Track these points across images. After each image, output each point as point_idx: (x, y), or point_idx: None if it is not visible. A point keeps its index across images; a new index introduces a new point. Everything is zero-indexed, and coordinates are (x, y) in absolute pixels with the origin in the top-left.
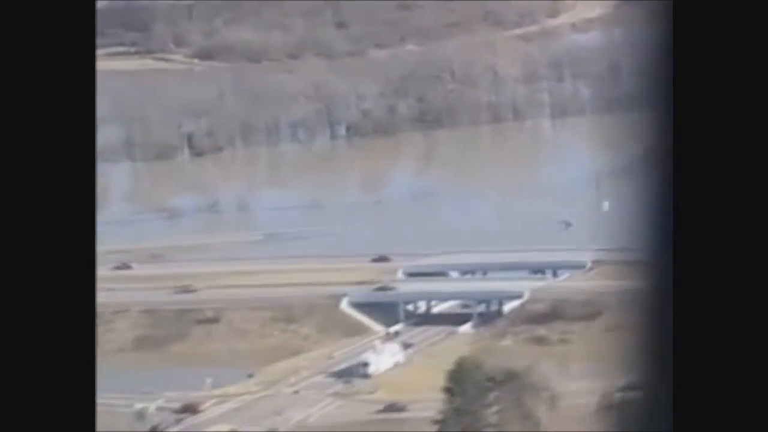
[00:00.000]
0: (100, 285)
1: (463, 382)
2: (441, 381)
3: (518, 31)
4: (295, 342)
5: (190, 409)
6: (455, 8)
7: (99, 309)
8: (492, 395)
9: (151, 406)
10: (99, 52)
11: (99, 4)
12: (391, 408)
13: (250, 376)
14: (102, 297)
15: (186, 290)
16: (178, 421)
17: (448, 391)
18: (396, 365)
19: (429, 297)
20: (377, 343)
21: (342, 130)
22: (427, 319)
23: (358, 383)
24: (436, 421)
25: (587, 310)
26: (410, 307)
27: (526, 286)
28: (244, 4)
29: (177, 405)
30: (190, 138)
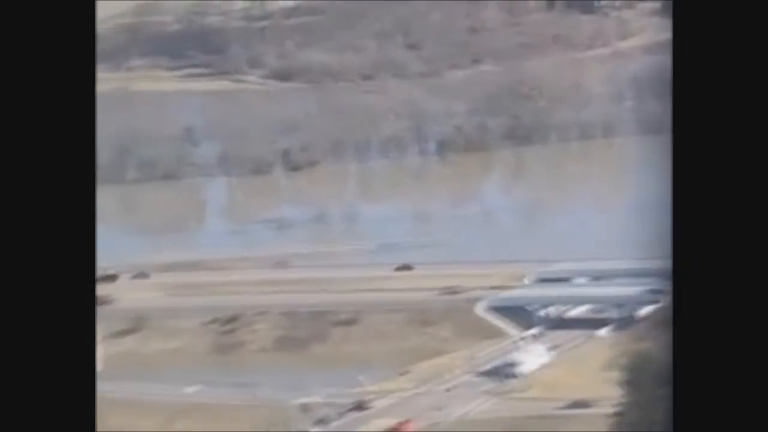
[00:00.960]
0: (238, 288)
1: (641, 377)
2: (589, 380)
3: (591, 53)
4: (433, 344)
5: (358, 405)
6: (524, 31)
7: (240, 311)
8: (664, 390)
9: (313, 401)
10: (175, 73)
11: (172, 28)
12: (576, 405)
13: (403, 374)
14: (242, 300)
15: (321, 291)
16: (341, 415)
17: (628, 384)
18: (542, 366)
19: (561, 302)
20: (522, 344)
21: (431, 147)
22: (562, 323)
23: (509, 382)
24: (617, 415)
25: None
26: (542, 312)
27: (659, 291)
28: (315, 27)
29: (339, 400)
30: (285, 154)
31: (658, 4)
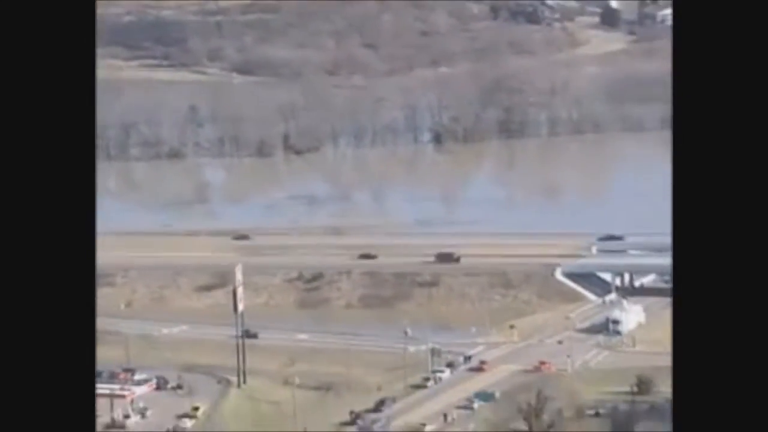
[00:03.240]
0: (307, 250)
1: None
2: None
3: (550, 58)
4: (516, 305)
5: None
6: (477, 37)
7: (321, 270)
8: None
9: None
10: (131, 63)
11: (126, 19)
12: None
13: (511, 327)
14: (317, 260)
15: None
16: (467, 359)
17: None
18: (639, 325)
19: (632, 269)
20: (611, 306)
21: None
22: (634, 290)
23: (615, 338)
24: None
25: None
26: (613, 279)
27: None
28: (271, 24)
29: (457, 349)
30: (285, 138)
31: (596, 18)
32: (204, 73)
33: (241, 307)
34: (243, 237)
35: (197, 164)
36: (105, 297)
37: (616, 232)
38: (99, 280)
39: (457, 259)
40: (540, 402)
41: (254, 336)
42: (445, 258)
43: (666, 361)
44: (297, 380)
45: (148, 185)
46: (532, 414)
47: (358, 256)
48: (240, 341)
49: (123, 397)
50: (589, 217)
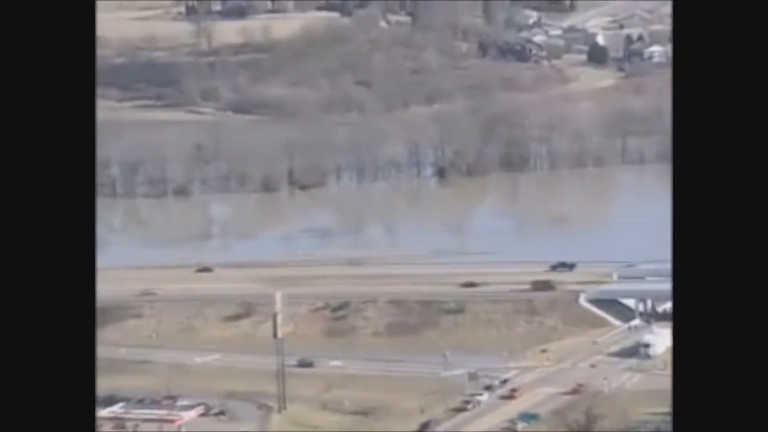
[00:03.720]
0: (329, 280)
1: None
2: None
3: (543, 94)
4: (542, 331)
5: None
6: (468, 74)
7: (346, 298)
8: None
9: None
10: (125, 104)
11: (116, 62)
12: None
13: (543, 351)
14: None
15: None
16: (503, 383)
17: None
18: (668, 349)
19: (652, 296)
20: (639, 330)
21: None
22: (657, 315)
23: (646, 361)
24: None
25: None
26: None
27: None
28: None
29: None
30: (290, 173)
31: (583, 56)
32: (199, 113)
33: (280, 333)
34: (206, 270)
35: (204, 201)
36: (133, 328)
37: (625, 259)
38: (125, 312)
39: (553, 287)
40: (589, 420)
41: (310, 365)
42: (541, 286)
43: None
44: (346, 403)
45: (158, 222)
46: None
47: (460, 285)
48: (281, 368)
49: (172, 422)
50: (596, 245)
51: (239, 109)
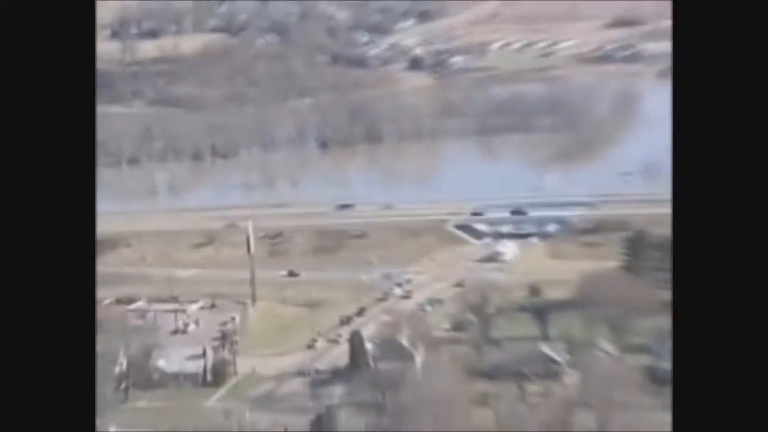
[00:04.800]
0: (263, 219)
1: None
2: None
3: (385, 90)
4: (425, 247)
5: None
6: (326, 77)
7: (278, 230)
8: None
9: None
10: None
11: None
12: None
13: (432, 260)
14: (276, 223)
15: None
16: (408, 281)
17: None
18: (515, 255)
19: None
20: (503, 242)
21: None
22: (501, 235)
23: (501, 264)
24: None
25: None
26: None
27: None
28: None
29: (397, 275)
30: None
31: (405, 64)
32: (131, 107)
33: (252, 249)
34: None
35: (150, 168)
36: (125, 255)
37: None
38: (120, 242)
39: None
40: (483, 300)
41: (297, 275)
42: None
43: (537, 275)
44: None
45: (117, 186)
46: (479, 307)
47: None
48: (252, 275)
49: (184, 311)
50: (441, 192)
51: (160, 103)
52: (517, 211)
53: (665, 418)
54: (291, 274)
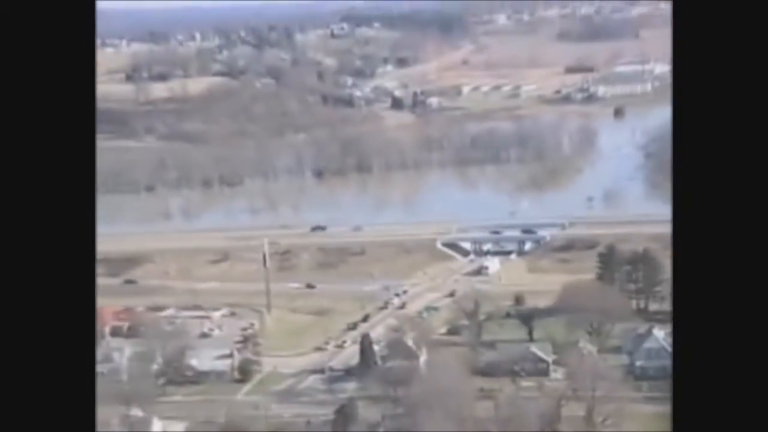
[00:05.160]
0: (272, 237)
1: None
2: (527, 277)
3: (371, 126)
4: (416, 263)
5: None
6: (318, 115)
7: (286, 248)
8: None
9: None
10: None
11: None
12: (523, 288)
13: (424, 273)
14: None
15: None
16: (405, 292)
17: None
18: (498, 270)
19: (480, 241)
20: (488, 258)
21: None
22: (484, 252)
23: (486, 277)
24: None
25: None
26: (468, 246)
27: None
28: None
29: (394, 287)
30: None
31: (387, 104)
32: (144, 141)
33: (268, 263)
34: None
35: (165, 194)
36: (150, 270)
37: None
38: (143, 259)
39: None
40: (476, 306)
41: (314, 287)
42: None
43: (519, 287)
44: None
45: (137, 210)
46: (472, 314)
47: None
48: (267, 285)
49: (209, 318)
50: (426, 215)
51: (170, 138)
52: (495, 232)
53: (645, 409)
54: (308, 286)
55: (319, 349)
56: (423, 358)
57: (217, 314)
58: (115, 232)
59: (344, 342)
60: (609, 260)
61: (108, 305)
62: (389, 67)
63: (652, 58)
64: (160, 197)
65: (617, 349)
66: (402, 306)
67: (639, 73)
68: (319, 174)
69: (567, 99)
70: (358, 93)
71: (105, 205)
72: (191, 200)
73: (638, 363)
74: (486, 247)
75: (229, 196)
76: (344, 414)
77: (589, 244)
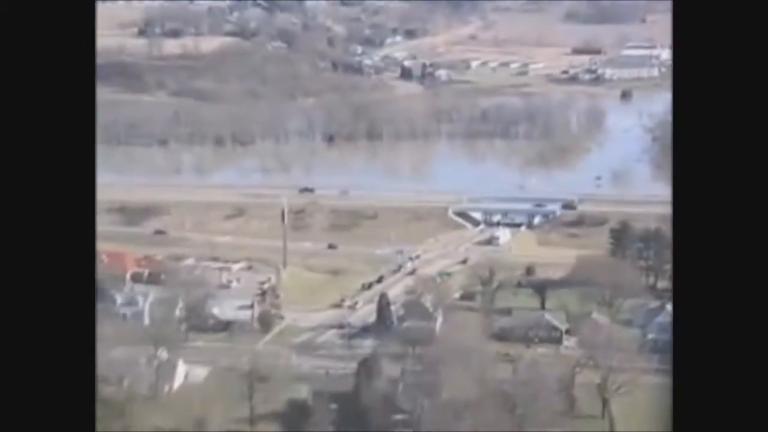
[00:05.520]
0: (286, 197)
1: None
2: (536, 248)
3: (380, 95)
4: (429, 230)
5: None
6: (328, 81)
7: (300, 207)
8: None
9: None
10: (104, 89)
11: (98, 62)
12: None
13: (436, 240)
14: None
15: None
16: (417, 257)
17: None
18: (508, 240)
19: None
20: (498, 228)
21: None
22: (494, 223)
23: (497, 247)
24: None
25: None
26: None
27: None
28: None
29: (407, 252)
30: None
31: (396, 74)
32: (155, 96)
33: (287, 220)
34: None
35: (178, 149)
36: (167, 221)
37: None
38: (160, 211)
39: None
40: (491, 273)
41: (335, 247)
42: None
43: (530, 258)
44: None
45: (149, 163)
46: (486, 281)
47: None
48: (284, 242)
49: (228, 269)
50: (439, 183)
51: (182, 94)
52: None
53: (655, 380)
54: (330, 246)
55: (335, 306)
56: (439, 319)
57: (235, 267)
58: (130, 182)
59: (356, 303)
60: (621, 236)
61: (129, 252)
62: (398, 38)
63: (659, 44)
64: (172, 151)
65: (628, 323)
66: (413, 271)
67: (646, 57)
68: (329, 138)
69: (574, 79)
70: (367, 61)
71: (119, 155)
72: (204, 157)
73: (650, 336)
74: (496, 218)
75: (241, 154)
76: (367, 367)
77: (598, 221)
